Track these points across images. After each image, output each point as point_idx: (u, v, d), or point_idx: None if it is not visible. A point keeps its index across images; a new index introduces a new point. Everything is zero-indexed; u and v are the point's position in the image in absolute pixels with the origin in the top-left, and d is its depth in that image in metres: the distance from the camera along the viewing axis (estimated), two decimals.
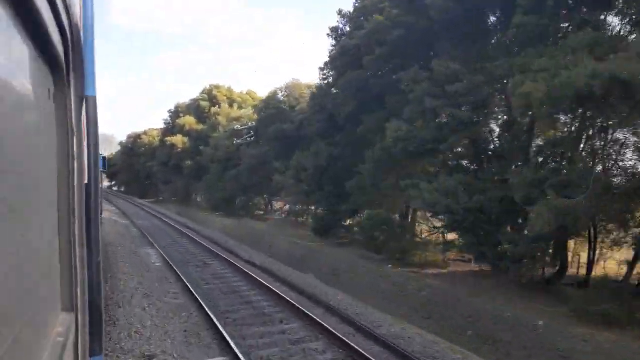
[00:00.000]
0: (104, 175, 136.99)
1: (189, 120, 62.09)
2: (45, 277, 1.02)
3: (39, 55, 0.97)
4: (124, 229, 30.40)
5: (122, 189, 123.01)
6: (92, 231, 1.70)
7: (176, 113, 78.58)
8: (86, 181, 1.65)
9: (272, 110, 38.39)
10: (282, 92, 38.60)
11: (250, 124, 39.70)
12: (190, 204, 68.56)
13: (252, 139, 38.81)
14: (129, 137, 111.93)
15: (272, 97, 38.97)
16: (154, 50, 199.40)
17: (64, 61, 1.18)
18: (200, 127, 61.03)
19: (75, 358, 1.28)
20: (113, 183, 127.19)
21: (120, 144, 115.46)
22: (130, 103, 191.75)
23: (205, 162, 54.95)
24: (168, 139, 62.79)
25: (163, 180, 74.60)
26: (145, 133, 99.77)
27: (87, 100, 1.78)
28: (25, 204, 0.85)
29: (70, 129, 1.25)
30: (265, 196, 49.49)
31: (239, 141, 38.39)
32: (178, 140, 60.68)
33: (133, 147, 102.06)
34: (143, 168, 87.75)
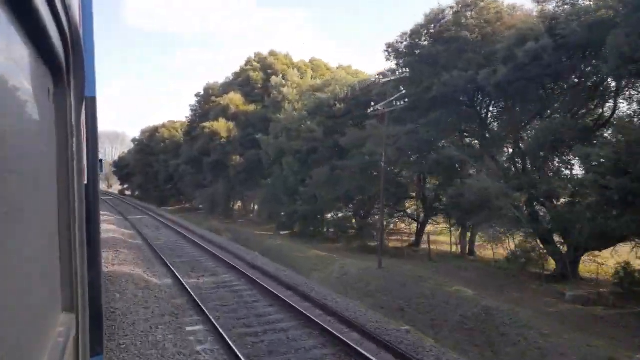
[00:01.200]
0: (115, 178, 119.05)
1: (235, 99, 42.93)
2: (45, 277, 1.02)
3: (39, 56, 0.96)
4: (176, 330, 11.37)
5: (136, 193, 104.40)
6: (92, 231, 1.99)
7: (207, 96, 59.66)
8: (86, 181, 1.77)
9: (440, 46, 19.13)
10: (458, 9, 19.16)
11: (394, 75, 20.41)
12: (233, 217, 49.65)
13: (402, 103, 19.58)
14: (144, 132, 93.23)
15: (435, 17, 19.55)
16: (158, 49, 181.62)
17: (64, 61, 1.17)
18: (252, 107, 42.09)
19: (75, 358, 1.27)
20: (126, 187, 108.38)
21: (134, 140, 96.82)
22: (140, 101, 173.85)
23: (265, 156, 36.14)
24: (207, 124, 43.37)
25: (193, 183, 55.81)
26: (164, 126, 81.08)
27: (87, 101, 2.08)
28: (25, 204, 0.85)
29: (69, 130, 1.25)
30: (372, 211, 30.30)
31: (379, 107, 19.11)
32: (221, 126, 41.34)
33: (149, 144, 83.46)
34: (163, 168, 69.04)
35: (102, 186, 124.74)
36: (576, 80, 16.73)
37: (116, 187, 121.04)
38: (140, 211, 48.79)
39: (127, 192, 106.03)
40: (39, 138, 0.98)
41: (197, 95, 60.77)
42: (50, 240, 1.11)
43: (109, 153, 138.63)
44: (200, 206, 64.15)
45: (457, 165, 20.15)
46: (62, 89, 1.19)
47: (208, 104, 59.02)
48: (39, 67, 0.99)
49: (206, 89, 60.05)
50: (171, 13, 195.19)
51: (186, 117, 63.04)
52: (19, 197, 0.79)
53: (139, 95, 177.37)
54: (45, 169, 1.06)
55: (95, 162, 2.31)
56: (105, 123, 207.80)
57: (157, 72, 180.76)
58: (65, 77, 1.19)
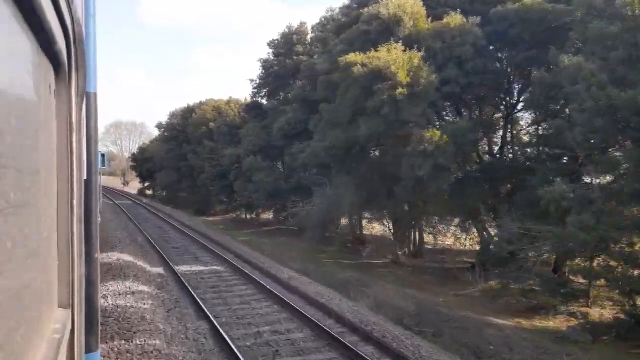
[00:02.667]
0: (134, 174, 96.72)
1: (412, 6, 19.06)
2: (42, 273, 1.00)
3: (41, 51, 0.95)
4: None
5: (159, 192, 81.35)
6: (90, 227, 1.92)
7: (289, 44, 36.37)
8: (85, 177, 1.71)
9: None
10: None
11: None
12: (350, 250, 26.39)
13: None
14: (173, 115, 70.04)
15: None
16: (178, 46, 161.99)
17: (66, 58, 1.15)
18: (457, 19, 18.24)
19: (71, 355, 1.24)
20: (146, 185, 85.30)
21: (159, 126, 73.66)
22: (160, 91, 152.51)
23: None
24: (352, 57, 18.79)
25: (268, 184, 32.26)
26: (202, 105, 58.08)
27: (88, 97, 2.00)
28: (25, 200, 0.83)
29: (70, 125, 1.22)
30: None
31: None
32: (395, 58, 17.22)
33: (183, 129, 60.52)
34: (209, 161, 45.78)
35: (116, 183, 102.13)
36: None
37: (134, 185, 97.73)
38: (189, 238, 25.23)
39: (148, 192, 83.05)
40: (40, 133, 0.96)
41: (271, 44, 37.33)
42: (48, 235, 1.07)
43: (126, 146, 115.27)
44: (268, 217, 41.02)
45: None
46: (63, 85, 1.15)
47: (290, 57, 35.71)
48: (42, 63, 0.96)
49: (287, 35, 36.69)
50: (189, 11, 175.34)
51: (251, 81, 39.55)
52: (18, 193, 0.77)
53: (157, 86, 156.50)
54: (45, 165, 1.03)
55: (95, 159, 2.22)
56: (122, 113, 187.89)
57: (176, 66, 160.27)
58: (67, 73, 1.16)
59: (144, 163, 78.77)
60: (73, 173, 1.23)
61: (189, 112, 60.95)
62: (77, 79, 1.27)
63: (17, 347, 0.74)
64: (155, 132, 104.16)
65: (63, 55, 1.09)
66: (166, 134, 70.87)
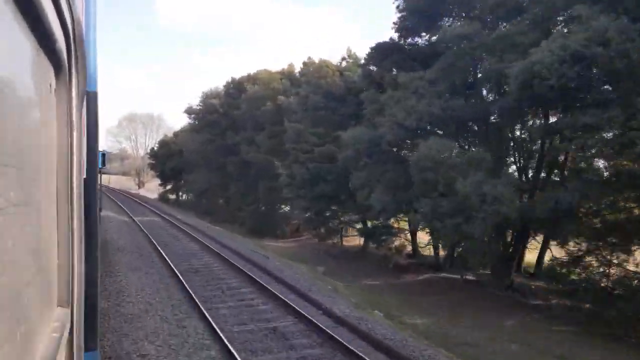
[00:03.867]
0: (150, 174, 78.91)
1: None
2: (42, 272, 0.99)
3: (41, 50, 0.94)
4: None
5: (183, 196, 63.26)
6: (89, 226, 1.87)
7: None
8: (85, 176, 1.69)
9: None
10: None
11: None
12: None
13: None
14: (208, 95, 51.97)
15: None
16: (194, 47, 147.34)
17: (66, 56, 1.14)
18: None
19: (70, 353, 1.23)
20: (167, 188, 67.12)
21: (189, 111, 55.39)
22: (175, 82, 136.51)
23: None
24: None
25: (530, 215, 13.99)
26: (253, 78, 39.68)
27: (89, 96, 1.94)
28: (25, 198, 0.83)
29: (70, 124, 1.21)
30: None
31: None
32: None
33: (227, 111, 42.20)
34: (292, 156, 27.57)
35: (129, 185, 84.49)
36: None
37: (150, 187, 79.74)
38: None
39: (171, 196, 64.98)
40: (40, 132, 0.95)
41: None
42: (48, 234, 1.06)
43: (141, 142, 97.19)
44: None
45: None
46: (64, 84, 1.15)
47: None
48: (41, 62, 0.96)
49: None
50: (189, 12, 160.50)
51: (397, 6, 21.03)
52: (19, 191, 0.76)
53: (158, 86, 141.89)
54: (45, 164, 1.02)
55: (94, 157, 2.23)
56: (136, 106, 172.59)
57: (176, 67, 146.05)
58: (67, 71, 1.15)
59: (166, 160, 60.59)
60: (73, 172, 1.20)
61: (235, 87, 42.51)
62: (77, 78, 1.24)
63: (17, 346, 0.73)
64: (175, 126, 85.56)
65: (63, 54, 1.06)
66: (197, 122, 52.60)
